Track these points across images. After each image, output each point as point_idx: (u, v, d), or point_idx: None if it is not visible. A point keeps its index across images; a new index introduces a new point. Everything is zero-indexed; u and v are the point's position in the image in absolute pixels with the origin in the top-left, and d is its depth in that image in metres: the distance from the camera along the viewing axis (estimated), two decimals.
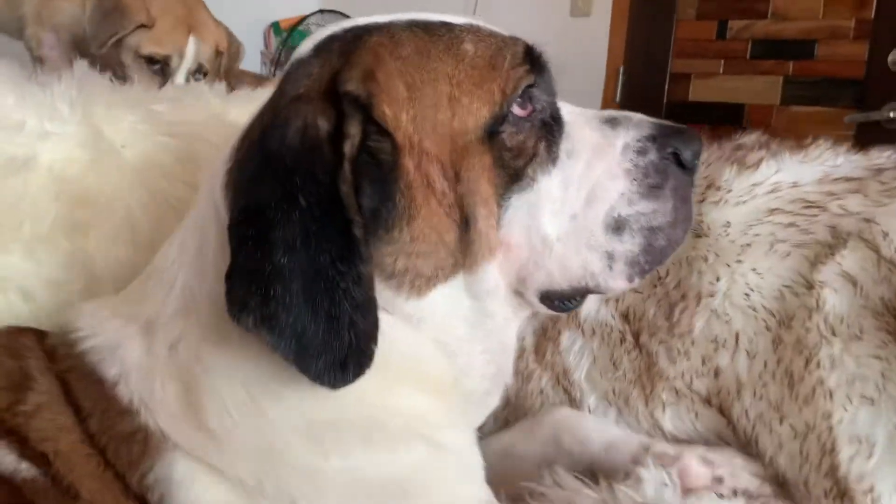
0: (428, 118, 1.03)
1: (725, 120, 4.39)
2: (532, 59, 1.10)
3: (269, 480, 1.01)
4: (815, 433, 1.33)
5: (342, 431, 1.02)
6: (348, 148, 0.97)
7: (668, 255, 1.13)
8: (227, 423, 1.01)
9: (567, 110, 1.17)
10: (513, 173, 1.06)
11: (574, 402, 1.57)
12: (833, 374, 1.32)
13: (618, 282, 1.11)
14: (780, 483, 1.37)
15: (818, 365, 1.33)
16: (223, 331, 1.02)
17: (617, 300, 1.60)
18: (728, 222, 1.53)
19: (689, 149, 1.14)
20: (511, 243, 1.08)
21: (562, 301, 1.14)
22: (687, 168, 1.15)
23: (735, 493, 1.26)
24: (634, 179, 1.11)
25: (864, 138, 3.93)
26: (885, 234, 1.36)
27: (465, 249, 1.05)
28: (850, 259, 1.39)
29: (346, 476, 1.02)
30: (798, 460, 1.35)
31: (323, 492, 1.01)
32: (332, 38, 1.10)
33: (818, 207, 1.48)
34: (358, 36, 1.07)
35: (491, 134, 1.05)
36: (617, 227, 1.10)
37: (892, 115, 3.82)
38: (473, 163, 1.04)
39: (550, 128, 1.12)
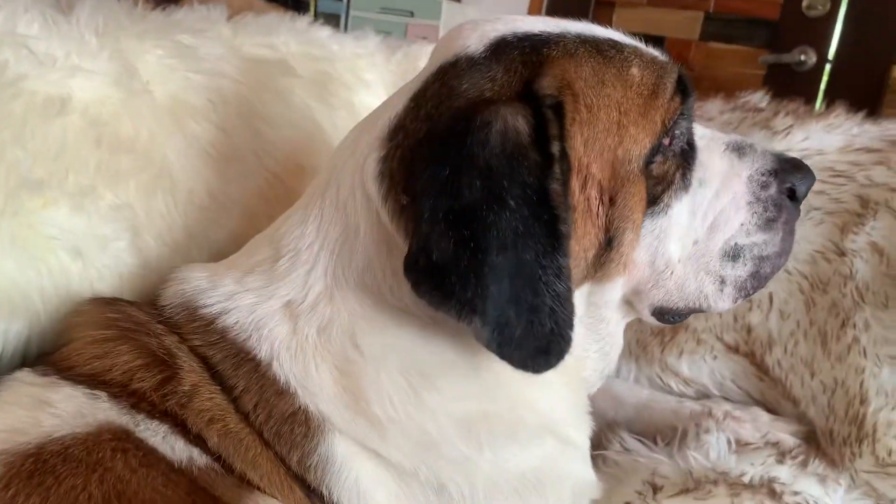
0: (598, 142, 1.03)
1: None
2: (683, 86, 1.11)
3: (424, 466, 1.02)
4: (844, 388, 1.47)
5: (493, 425, 1.05)
6: (556, 149, 0.97)
7: (769, 280, 1.18)
8: (389, 411, 1.01)
9: (699, 134, 1.18)
10: (651, 199, 1.09)
11: None
12: (865, 335, 1.45)
13: (725, 303, 1.16)
14: (805, 434, 1.51)
15: (854, 326, 1.45)
16: (376, 319, 1.03)
17: None
18: None
19: (804, 185, 1.19)
20: (638, 262, 1.11)
21: (672, 316, 1.18)
22: (800, 200, 1.20)
23: (784, 455, 1.36)
24: (755, 212, 1.15)
25: (774, 79, 4.16)
26: None
27: (601, 266, 1.08)
28: (878, 228, 1.50)
29: (494, 467, 1.05)
30: (826, 412, 1.49)
31: (472, 481, 1.03)
32: (507, 45, 1.06)
33: (846, 177, 1.58)
34: (536, 48, 1.05)
35: (647, 164, 1.07)
36: (734, 255, 1.14)
37: (801, 58, 4.06)
38: (632, 191, 1.05)
39: (687, 156, 1.14)
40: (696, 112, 1.92)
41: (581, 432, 1.20)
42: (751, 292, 1.17)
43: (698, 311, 1.18)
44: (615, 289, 1.13)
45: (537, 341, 0.93)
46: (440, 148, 0.98)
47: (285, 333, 1.07)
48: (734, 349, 1.57)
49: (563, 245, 0.95)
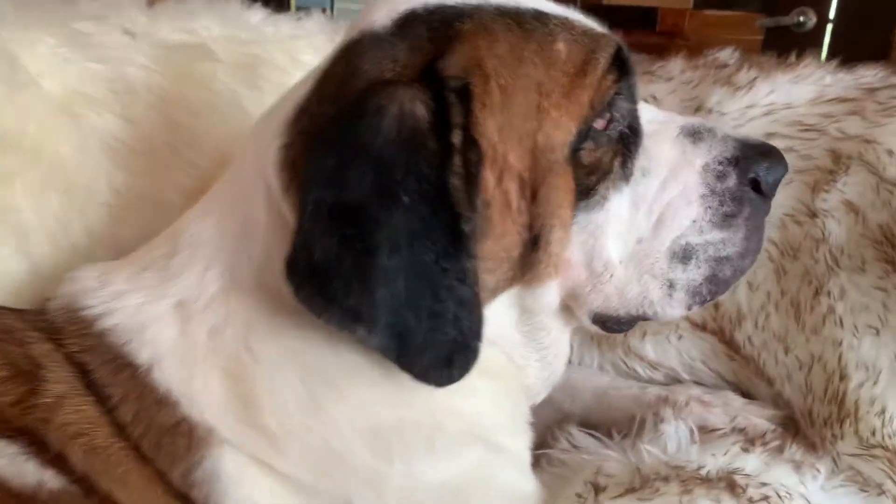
0: (515, 129, 0.93)
1: (638, 24, 4.32)
2: (620, 63, 0.99)
3: (327, 480, 0.94)
4: (822, 363, 1.32)
5: (407, 434, 0.97)
6: (457, 138, 0.89)
7: (731, 285, 1.07)
8: (284, 421, 0.93)
9: (647, 117, 1.06)
10: (583, 191, 0.98)
11: None
12: (841, 304, 1.30)
13: (675, 310, 1.04)
14: (782, 419, 1.37)
15: (828, 294, 1.31)
16: (275, 321, 0.95)
17: None
18: None
19: (772, 175, 1.06)
20: (571, 261, 1.00)
21: (614, 324, 1.08)
22: (767, 194, 1.07)
23: (753, 442, 1.23)
24: (709, 207, 1.02)
25: (774, 43, 3.98)
26: (891, 153, 1.32)
27: (529, 267, 0.98)
28: (851, 185, 1.35)
29: (408, 480, 0.96)
30: (803, 391, 1.34)
31: (382, 495, 0.95)
32: (415, 19, 0.96)
33: (816, 131, 1.43)
34: (447, 22, 0.95)
35: (574, 151, 0.96)
36: (684, 255, 1.02)
37: (800, 19, 3.87)
38: (557, 183, 0.95)
39: (628, 141, 1.02)
40: (658, 72, 1.79)
41: (518, 440, 1.08)
42: (708, 298, 1.05)
43: (644, 318, 1.06)
44: (549, 293, 1.02)
45: (439, 351, 0.86)
46: (329, 135, 0.89)
47: (172, 337, 0.97)
48: (701, 327, 1.44)
49: (466, 246, 0.88)
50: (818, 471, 1.25)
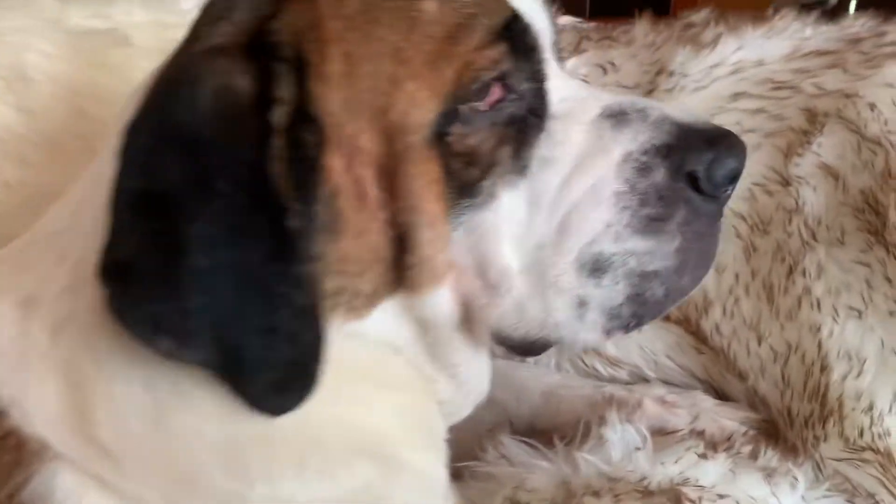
0: (365, 105, 0.78)
1: (651, 8, 4.14)
2: (514, 35, 0.81)
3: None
4: (799, 353, 1.14)
5: (271, 452, 0.82)
6: (278, 116, 0.74)
7: (665, 309, 0.86)
8: (125, 437, 0.81)
9: (563, 95, 0.86)
10: (466, 185, 0.81)
11: None
12: (819, 283, 1.13)
13: (589, 334, 0.84)
14: (759, 423, 1.19)
15: (803, 273, 1.13)
16: None
17: None
18: None
19: (719, 169, 0.83)
20: (461, 268, 0.83)
21: (517, 347, 0.89)
22: (711, 194, 0.84)
23: (714, 448, 1.05)
24: (626, 207, 0.81)
25: None
26: (873, 107, 1.14)
27: (405, 272, 0.82)
28: (827, 146, 1.17)
29: None
30: (780, 385, 1.17)
31: None
32: None
33: (790, 88, 1.25)
34: None
35: (440, 135, 0.79)
36: (596, 267, 0.82)
37: None
38: (416, 172, 0.79)
39: (522, 126, 0.84)
40: (620, 37, 1.63)
41: (426, 456, 0.92)
42: (633, 323, 0.84)
43: (552, 343, 0.87)
44: (437, 303, 0.85)
45: (274, 373, 0.74)
46: (142, 114, 0.76)
47: (10, 336, 0.85)
48: (664, 317, 1.26)
49: (297, 245, 0.74)
50: (796, 479, 1.07)
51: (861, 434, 1.08)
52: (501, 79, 0.81)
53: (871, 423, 1.07)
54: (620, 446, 1.04)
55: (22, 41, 1.32)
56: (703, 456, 1.04)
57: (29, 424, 0.81)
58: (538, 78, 0.85)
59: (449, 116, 0.79)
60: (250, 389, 0.75)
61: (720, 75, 1.29)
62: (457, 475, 1.04)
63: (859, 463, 1.08)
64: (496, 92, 0.81)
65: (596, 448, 1.05)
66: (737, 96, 1.27)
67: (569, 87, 0.88)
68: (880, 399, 1.07)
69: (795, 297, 1.14)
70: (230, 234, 0.72)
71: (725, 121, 1.25)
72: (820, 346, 1.11)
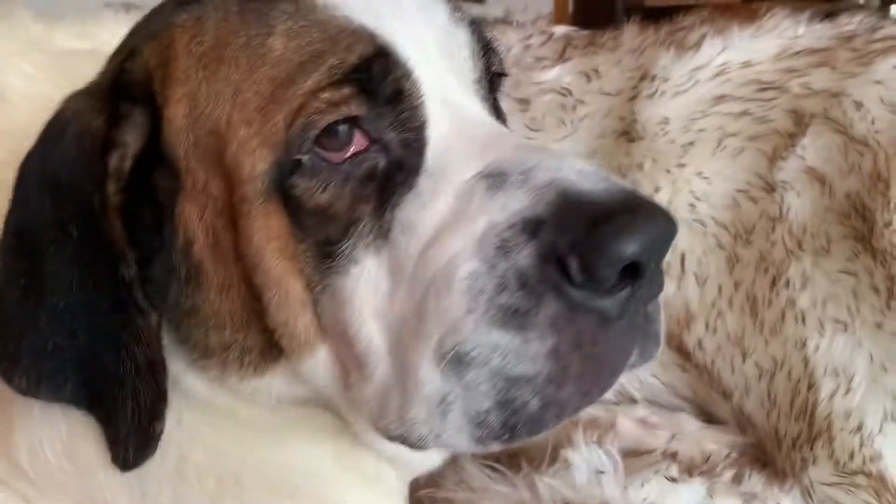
0: (209, 150, 0.73)
1: None
2: (369, 76, 0.71)
3: None
4: (785, 370, 1.07)
5: (182, 489, 0.80)
6: (115, 161, 0.72)
7: (545, 425, 0.67)
8: (41, 463, 0.80)
9: (450, 144, 0.73)
10: (323, 245, 0.72)
11: None
12: (804, 294, 1.05)
13: (454, 439, 0.68)
14: (746, 447, 1.11)
15: (787, 284, 1.06)
16: None
17: None
18: (666, 118, 1.23)
19: (602, 256, 0.63)
20: (334, 335, 0.74)
21: (398, 436, 0.73)
22: (589, 288, 0.64)
23: (690, 472, 0.99)
24: (482, 292, 0.66)
25: None
26: (859, 105, 1.07)
27: (271, 337, 0.74)
28: (812, 149, 1.11)
29: None
30: (766, 404, 1.09)
31: None
32: (161, 9, 0.81)
33: (776, 88, 1.19)
34: (181, 3, 0.78)
35: (283, 188, 0.71)
36: (457, 359, 0.66)
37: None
38: (255, 227, 0.71)
39: (386, 182, 0.72)
40: (607, 43, 1.57)
41: (366, 494, 0.85)
42: (505, 436, 0.67)
43: (412, 444, 0.71)
44: (313, 372, 0.75)
45: (125, 427, 0.72)
46: (33, 148, 0.77)
47: None
48: None
49: (133, 296, 0.71)
50: None
51: (851, 457, 1.00)
52: (358, 126, 0.71)
53: (862, 445, 0.99)
54: (585, 469, 0.98)
55: (3, 64, 1.33)
56: (674, 480, 0.97)
57: None
58: (408, 126, 0.73)
59: (286, 168, 0.70)
60: (109, 436, 0.73)
61: (703, 78, 1.23)
62: (417, 502, 0.99)
63: (851, 488, 1.00)
64: (359, 142, 0.71)
65: (560, 471, 0.99)
66: (719, 99, 1.20)
67: (463, 136, 0.73)
68: (870, 418, 0.99)
69: (780, 310, 1.07)
70: (81, 279, 0.72)
71: (707, 125, 1.20)
72: (806, 361, 1.04)
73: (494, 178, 0.68)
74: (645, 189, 1.21)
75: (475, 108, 0.77)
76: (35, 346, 0.72)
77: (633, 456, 1.05)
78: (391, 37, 0.73)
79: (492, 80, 0.83)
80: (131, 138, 0.72)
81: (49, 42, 1.44)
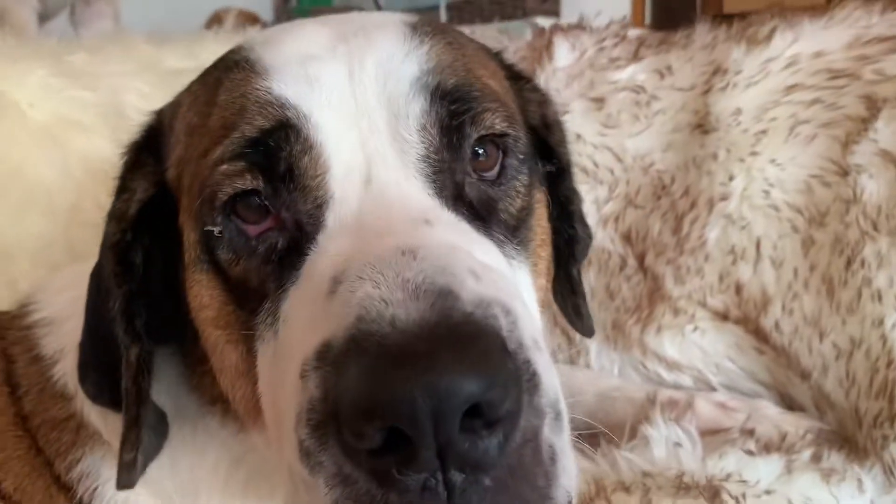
0: (182, 208, 0.79)
1: None
2: (264, 150, 0.68)
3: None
4: (863, 349, 1.08)
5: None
6: (119, 204, 0.80)
7: None
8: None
9: (339, 229, 0.66)
10: (248, 317, 0.70)
11: (574, 346, 1.34)
12: (880, 274, 1.07)
13: None
14: (827, 433, 1.12)
15: (862, 264, 1.08)
16: None
17: (617, 219, 1.36)
18: (739, 109, 1.27)
19: (353, 406, 0.52)
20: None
21: None
22: (375, 450, 0.53)
23: (767, 449, 1.01)
24: (297, 416, 0.58)
25: None
26: None
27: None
28: (886, 132, 1.12)
29: None
30: (845, 384, 1.10)
31: None
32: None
33: (848, 76, 1.21)
34: (214, 66, 0.84)
35: (210, 250, 0.72)
36: (292, 478, 0.63)
37: None
38: (193, 293, 0.75)
39: (283, 264, 0.69)
40: (680, 41, 1.60)
41: None
42: None
43: None
44: (257, 439, 0.79)
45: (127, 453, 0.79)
46: None
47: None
48: (722, 316, 1.23)
49: (114, 331, 0.78)
50: (862, 482, 1.01)
51: None
52: (263, 201, 0.69)
53: None
54: (663, 444, 1.02)
55: (120, 83, 1.47)
56: (751, 453, 1.00)
57: (86, 411, 0.90)
58: (300, 206, 0.68)
59: (207, 238, 0.70)
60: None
61: (774, 69, 1.26)
62: None
63: None
64: (269, 218, 0.69)
65: (639, 446, 1.04)
66: (791, 89, 1.23)
67: (361, 224, 0.65)
68: None
69: (856, 290, 1.08)
70: (95, 306, 0.81)
71: (779, 114, 1.23)
72: (884, 339, 1.05)
73: (334, 284, 0.60)
74: (718, 179, 1.25)
75: (408, 190, 0.68)
76: (94, 363, 0.83)
77: (712, 435, 1.08)
78: (308, 109, 0.69)
79: (461, 149, 0.72)
80: (139, 185, 0.80)
81: (159, 62, 1.59)
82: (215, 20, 3.82)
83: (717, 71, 1.34)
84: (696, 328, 1.23)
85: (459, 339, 0.52)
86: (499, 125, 0.73)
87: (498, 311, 0.56)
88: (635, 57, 1.49)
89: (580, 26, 1.73)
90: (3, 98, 1.32)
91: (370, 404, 0.50)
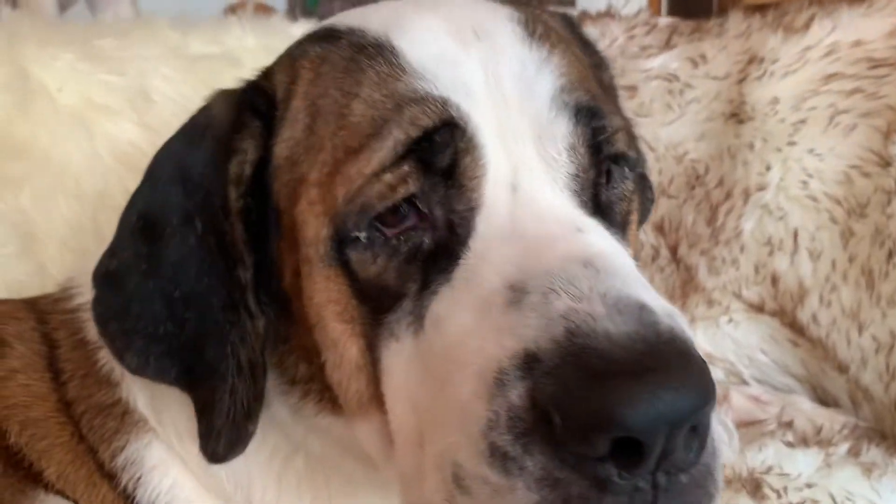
0: (292, 199, 0.73)
1: None
2: (429, 146, 0.67)
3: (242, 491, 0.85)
4: None
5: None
6: (235, 167, 0.73)
7: None
8: (185, 441, 0.85)
9: (493, 235, 0.66)
10: (376, 314, 0.69)
11: None
12: None
13: None
14: (863, 429, 1.11)
15: None
16: None
17: None
18: (776, 98, 1.25)
19: (596, 419, 0.53)
20: (382, 409, 0.71)
21: None
22: (600, 457, 0.54)
23: (805, 442, 1.00)
24: (477, 421, 0.59)
25: None
26: None
27: (328, 380, 0.74)
28: None
29: None
30: (884, 377, 1.09)
31: None
32: (320, 30, 0.82)
33: (889, 65, 1.19)
34: (325, 37, 0.79)
35: (341, 253, 0.69)
36: (456, 480, 0.61)
37: None
38: (316, 288, 0.71)
39: (429, 264, 0.68)
40: (713, 29, 1.59)
41: None
42: None
43: None
44: (363, 435, 0.74)
45: (218, 417, 0.73)
46: (174, 136, 0.81)
47: None
48: (758, 308, 1.21)
49: (245, 298, 0.72)
50: None
51: None
52: (411, 200, 0.67)
53: None
54: None
55: (146, 67, 1.45)
56: (791, 445, 0.99)
57: (133, 398, 0.88)
58: (456, 206, 0.67)
59: (343, 239, 0.68)
60: (202, 427, 0.75)
61: (813, 58, 1.24)
62: None
63: None
64: (411, 216, 0.68)
65: None
66: (830, 78, 1.21)
67: (515, 231, 0.66)
68: None
69: None
70: (199, 273, 0.73)
71: (818, 103, 1.21)
72: None
73: (516, 293, 0.61)
74: (755, 169, 1.23)
75: (554, 201, 0.69)
76: (148, 330, 0.75)
77: (746, 426, 1.07)
78: (468, 110, 0.68)
79: (601, 166, 0.74)
80: (250, 146, 0.74)
81: (185, 47, 1.57)
82: (230, 12, 3.80)
83: (753, 59, 1.32)
84: (730, 320, 1.22)
85: (679, 354, 0.56)
86: (626, 148, 0.76)
87: (682, 322, 0.59)
88: (667, 45, 1.48)
89: (609, 14, 1.71)
90: (33, 82, 1.31)
91: (605, 417, 0.52)
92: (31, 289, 1.19)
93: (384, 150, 0.67)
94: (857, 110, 1.17)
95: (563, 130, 0.71)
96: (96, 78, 1.39)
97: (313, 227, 0.70)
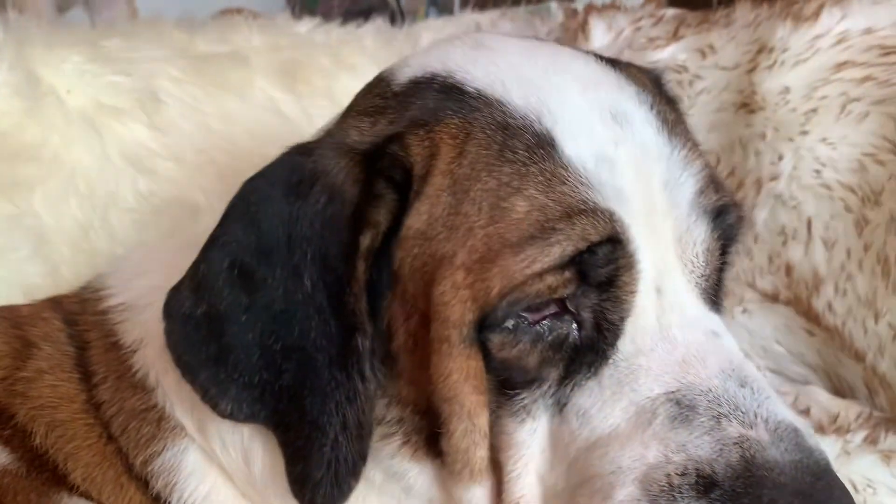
0: (425, 273, 0.73)
1: None
2: (592, 260, 0.69)
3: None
4: None
5: None
6: (367, 241, 0.73)
7: None
8: (234, 438, 0.85)
9: (643, 342, 0.71)
10: (504, 386, 0.73)
11: None
12: None
13: None
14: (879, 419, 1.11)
15: None
16: None
17: None
18: (787, 88, 1.25)
19: None
20: (495, 477, 0.75)
21: None
22: None
23: (823, 429, 1.00)
24: None
25: None
26: None
27: (441, 448, 0.75)
28: None
29: None
30: None
31: None
32: (432, 82, 0.80)
33: None
34: (453, 98, 0.77)
35: (479, 337, 0.72)
36: None
37: None
38: (452, 366, 0.72)
39: (574, 357, 0.72)
40: (720, 20, 1.58)
41: None
42: None
43: None
44: (470, 498, 0.76)
45: (315, 468, 0.73)
46: (269, 173, 0.78)
47: (159, 320, 0.91)
48: (772, 297, 1.21)
49: (361, 364, 0.72)
50: None
51: None
52: (559, 298, 0.70)
53: None
54: None
55: (154, 68, 1.45)
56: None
57: (169, 404, 0.87)
58: (608, 314, 0.71)
59: (489, 322, 0.70)
60: (294, 473, 0.75)
61: (823, 47, 1.24)
62: None
63: None
64: (552, 305, 0.71)
65: None
66: (841, 66, 1.21)
67: (665, 339, 0.71)
68: None
69: None
70: (305, 329, 0.73)
71: (830, 91, 1.21)
72: None
73: (682, 409, 0.67)
74: (767, 158, 1.23)
75: (692, 305, 0.73)
76: (244, 379, 0.75)
77: None
78: (629, 223, 0.71)
79: (728, 257, 0.80)
80: (384, 219, 0.73)
81: (192, 47, 1.57)
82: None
83: (763, 49, 1.31)
84: (744, 310, 1.22)
85: (840, 488, 0.65)
86: (745, 225, 0.81)
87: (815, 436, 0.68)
88: (675, 36, 1.48)
89: (614, 6, 1.71)
90: (42, 84, 1.31)
91: None
92: (45, 290, 1.19)
93: (551, 256, 0.68)
94: (869, 98, 1.17)
95: (701, 235, 0.75)
96: (105, 79, 1.39)
97: (458, 311, 0.70)
